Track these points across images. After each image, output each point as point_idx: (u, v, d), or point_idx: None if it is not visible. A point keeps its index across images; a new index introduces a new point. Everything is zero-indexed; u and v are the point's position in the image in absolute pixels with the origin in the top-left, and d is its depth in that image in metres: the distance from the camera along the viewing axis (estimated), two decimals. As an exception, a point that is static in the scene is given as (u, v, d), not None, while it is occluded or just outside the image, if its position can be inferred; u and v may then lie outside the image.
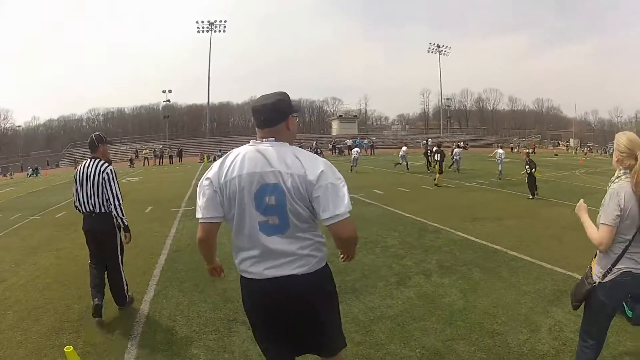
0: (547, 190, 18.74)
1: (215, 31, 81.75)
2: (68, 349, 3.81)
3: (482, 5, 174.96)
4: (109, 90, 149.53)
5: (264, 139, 2.63)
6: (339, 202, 2.49)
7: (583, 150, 74.97)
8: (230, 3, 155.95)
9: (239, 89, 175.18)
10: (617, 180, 3.13)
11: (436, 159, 21.38)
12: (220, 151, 50.71)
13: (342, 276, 6.72)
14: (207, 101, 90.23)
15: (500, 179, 22.72)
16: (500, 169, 23.69)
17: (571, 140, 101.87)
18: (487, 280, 6.79)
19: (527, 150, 19.72)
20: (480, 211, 13.07)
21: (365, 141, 60.45)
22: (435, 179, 20.54)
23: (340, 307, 3.01)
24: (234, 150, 2.72)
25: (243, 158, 2.60)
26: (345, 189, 2.54)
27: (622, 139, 3.10)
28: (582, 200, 3.48)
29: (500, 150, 25.34)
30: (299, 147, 2.86)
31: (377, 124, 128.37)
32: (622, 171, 3.11)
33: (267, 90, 2.76)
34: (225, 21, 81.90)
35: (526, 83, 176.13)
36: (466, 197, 16.85)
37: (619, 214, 3.02)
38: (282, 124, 2.66)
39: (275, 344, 2.84)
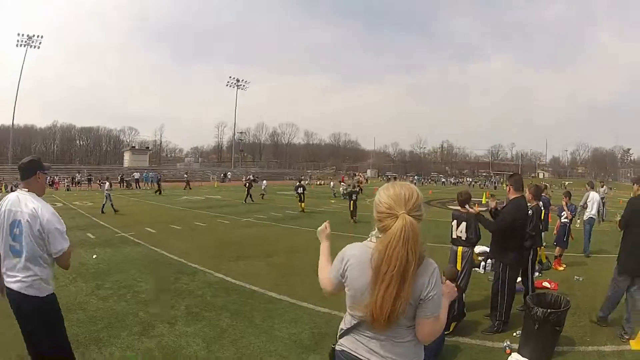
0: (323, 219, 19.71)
1: (32, 47, 76.19)
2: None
3: (285, 45, 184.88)
4: None
5: (23, 188, 3.92)
6: (61, 240, 3.75)
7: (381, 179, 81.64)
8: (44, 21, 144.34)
9: (43, 112, 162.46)
10: (367, 240, 2.52)
11: (299, 192, 25.60)
12: (17, 179, 46.50)
13: (88, 326, 6.36)
14: (12, 123, 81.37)
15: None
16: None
17: (368, 170, 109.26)
18: (235, 327, 6.55)
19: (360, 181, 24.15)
20: (249, 248, 13.01)
21: (152, 174, 58.46)
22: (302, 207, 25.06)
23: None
24: (10, 194, 3.97)
25: (9, 199, 3.89)
26: (64, 229, 3.81)
27: (382, 195, 2.45)
28: (327, 222, 3.14)
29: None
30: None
31: (171, 156, 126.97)
32: (374, 232, 2.48)
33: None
34: (41, 37, 76.70)
35: (323, 119, 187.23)
36: (238, 233, 16.71)
37: (337, 275, 2.55)
38: (32, 178, 3.94)
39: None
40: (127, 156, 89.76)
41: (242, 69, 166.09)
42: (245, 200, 30.74)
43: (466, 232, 7.35)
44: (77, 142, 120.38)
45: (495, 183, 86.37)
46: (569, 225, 11.90)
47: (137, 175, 55.53)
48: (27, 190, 3.87)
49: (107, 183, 25.10)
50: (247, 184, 32.46)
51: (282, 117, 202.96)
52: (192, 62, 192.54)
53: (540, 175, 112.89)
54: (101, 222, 18.58)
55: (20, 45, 76.01)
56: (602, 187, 24.41)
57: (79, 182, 53.06)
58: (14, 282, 3.70)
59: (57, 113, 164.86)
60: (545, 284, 9.06)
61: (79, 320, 6.54)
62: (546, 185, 15.89)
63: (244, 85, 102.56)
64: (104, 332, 6.20)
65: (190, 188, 49.23)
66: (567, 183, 77.44)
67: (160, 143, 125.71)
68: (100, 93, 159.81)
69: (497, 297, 6.68)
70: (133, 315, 6.93)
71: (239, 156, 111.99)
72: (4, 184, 47.40)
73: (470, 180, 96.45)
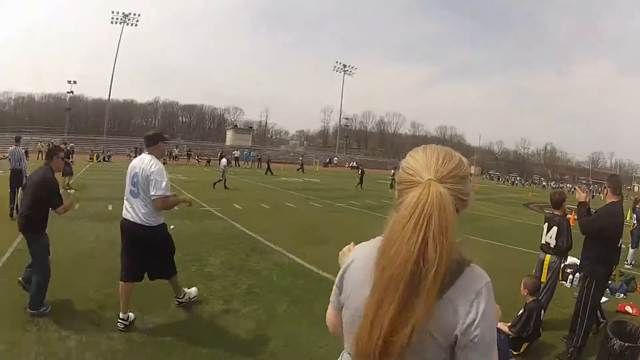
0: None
1: (127, 24, 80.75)
2: None
3: (394, 33, 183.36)
4: (21, 74, 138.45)
5: (146, 152, 5.50)
6: (157, 188, 5.16)
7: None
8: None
9: (143, 88, 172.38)
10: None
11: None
12: (109, 151, 53.85)
13: (140, 294, 6.05)
14: (108, 97, 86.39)
15: None
16: None
17: (472, 167, 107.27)
18: (292, 313, 6.28)
19: None
20: (333, 234, 12.65)
21: (253, 153, 59.85)
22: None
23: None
24: (143, 155, 5.51)
25: (135, 159, 5.56)
26: (164, 183, 5.21)
27: (408, 159, 1.52)
28: (351, 244, 2.03)
29: None
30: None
31: (276, 138, 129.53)
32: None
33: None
34: (139, 15, 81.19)
35: (430, 111, 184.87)
36: (327, 217, 16.53)
37: (337, 292, 1.67)
38: (155, 146, 5.52)
39: (129, 261, 5.40)
40: (229, 134, 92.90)
41: (351, 55, 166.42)
42: (360, 187, 31.04)
43: (556, 238, 6.63)
44: (180, 118, 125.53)
45: (593, 192, 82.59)
46: None
47: (237, 153, 57.00)
48: (148, 153, 5.50)
49: (225, 159, 26.65)
50: (360, 170, 32.94)
51: (388, 106, 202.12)
52: (301, 46, 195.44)
53: (636, 189, 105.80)
54: (189, 195, 18.87)
55: (115, 22, 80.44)
56: None
57: (176, 157, 54.48)
58: (131, 215, 5.30)
59: (159, 91, 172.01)
60: (628, 308, 8.13)
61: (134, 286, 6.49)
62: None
63: (350, 71, 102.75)
64: (150, 300, 6.14)
65: (303, 171, 49.74)
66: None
67: (266, 124, 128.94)
68: (204, 73, 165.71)
69: (578, 317, 5.87)
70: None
71: (344, 142, 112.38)
72: (96, 154, 49.90)
73: (570, 186, 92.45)
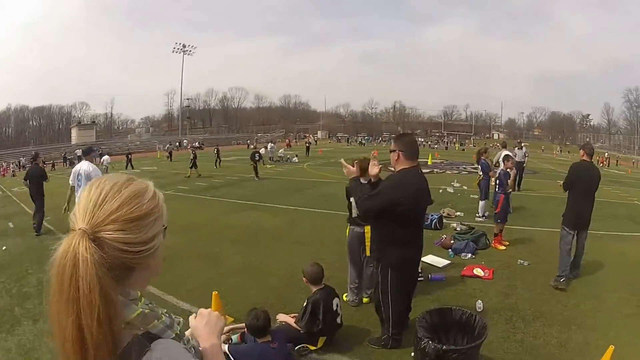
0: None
1: None
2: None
3: (233, 8, 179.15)
4: None
5: (84, 160, 9.53)
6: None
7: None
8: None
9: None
10: None
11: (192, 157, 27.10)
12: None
13: None
14: None
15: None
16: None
17: (319, 132, 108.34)
18: None
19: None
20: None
21: (95, 149, 57.60)
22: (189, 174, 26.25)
23: None
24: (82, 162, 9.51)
25: (77, 164, 9.65)
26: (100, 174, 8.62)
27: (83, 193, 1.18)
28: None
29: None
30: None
31: (122, 128, 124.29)
32: None
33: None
34: None
35: (276, 83, 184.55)
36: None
37: None
38: (89, 155, 9.62)
39: None
40: (74, 133, 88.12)
41: (192, 34, 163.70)
42: (190, 175, 26.97)
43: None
44: (31, 122, 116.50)
45: (447, 143, 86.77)
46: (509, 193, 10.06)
47: (79, 152, 54.60)
48: (85, 160, 9.32)
49: (107, 156, 29.93)
50: (193, 152, 28.59)
51: (233, 81, 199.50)
52: (142, 30, 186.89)
53: (495, 136, 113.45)
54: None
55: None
56: (522, 149, 20.20)
57: (24, 166, 48.60)
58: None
59: (11, 96, 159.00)
60: (478, 270, 7.27)
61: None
62: (486, 149, 13.70)
63: (190, 51, 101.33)
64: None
65: (171, 160, 47.64)
66: (523, 144, 77.17)
67: (111, 115, 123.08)
68: (52, 70, 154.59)
69: (381, 309, 4.99)
70: (10, 312, 6.80)
71: (187, 123, 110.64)
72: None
73: (422, 140, 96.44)
